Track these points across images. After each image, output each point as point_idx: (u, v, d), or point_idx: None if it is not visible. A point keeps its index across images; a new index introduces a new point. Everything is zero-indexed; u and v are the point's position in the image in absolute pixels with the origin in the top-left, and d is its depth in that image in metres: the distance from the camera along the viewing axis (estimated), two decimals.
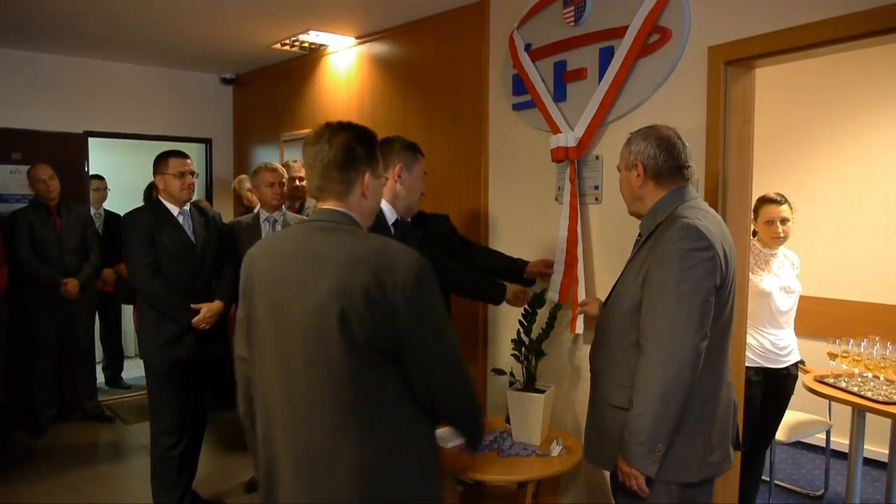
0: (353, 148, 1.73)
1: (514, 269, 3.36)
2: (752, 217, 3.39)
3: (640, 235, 2.18)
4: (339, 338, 1.55)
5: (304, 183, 4.58)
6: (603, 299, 2.33)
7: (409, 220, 2.97)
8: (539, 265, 3.33)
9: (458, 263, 3.21)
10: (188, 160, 3.52)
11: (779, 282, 3.43)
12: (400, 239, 2.44)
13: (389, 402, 1.63)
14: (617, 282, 2.21)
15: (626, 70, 3.05)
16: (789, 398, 3.52)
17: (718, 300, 1.98)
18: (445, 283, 2.75)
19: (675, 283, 1.91)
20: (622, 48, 3.05)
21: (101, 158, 6.43)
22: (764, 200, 3.44)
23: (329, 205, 1.75)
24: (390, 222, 2.55)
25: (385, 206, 2.55)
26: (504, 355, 3.79)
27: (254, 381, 1.77)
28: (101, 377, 5.98)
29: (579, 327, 3.31)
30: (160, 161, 3.50)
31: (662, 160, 2.09)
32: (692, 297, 1.90)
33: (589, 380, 2.31)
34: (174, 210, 3.48)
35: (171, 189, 3.46)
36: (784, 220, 3.41)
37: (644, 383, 1.94)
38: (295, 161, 4.57)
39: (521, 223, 3.75)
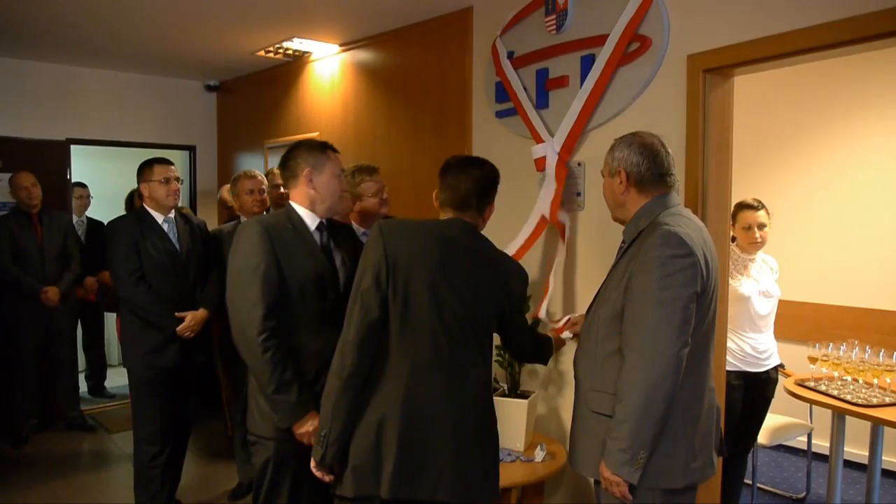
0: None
1: None
2: (732, 224, 3.43)
3: (623, 242, 2.20)
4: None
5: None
6: (585, 308, 2.34)
7: (352, 222, 3.08)
8: None
9: None
10: (172, 166, 3.52)
11: (758, 286, 3.46)
12: (327, 243, 2.49)
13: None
14: (600, 288, 2.22)
15: (606, 78, 3.08)
16: (770, 402, 3.56)
17: (700, 307, 1.99)
18: None
19: (655, 291, 1.93)
20: (602, 56, 3.08)
21: (84, 166, 6.40)
22: (741, 206, 3.48)
23: None
24: (312, 227, 2.47)
25: (303, 211, 2.48)
26: None
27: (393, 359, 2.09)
28: (83, 386, 5.93)
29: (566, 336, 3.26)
30: (144, 169, 3.49)
31: (645, 168, 2.10)
32: (673, 304, 1.91)
33: (571, 385, 2.33)
34: (159, 218, 3.47)
35: (156, 196, 3.45)
36: (761, 226, 3.45)
37: (626, 390, 1.94)
38: (279, 168, 4.55)
39: (504, 230, 3.76)
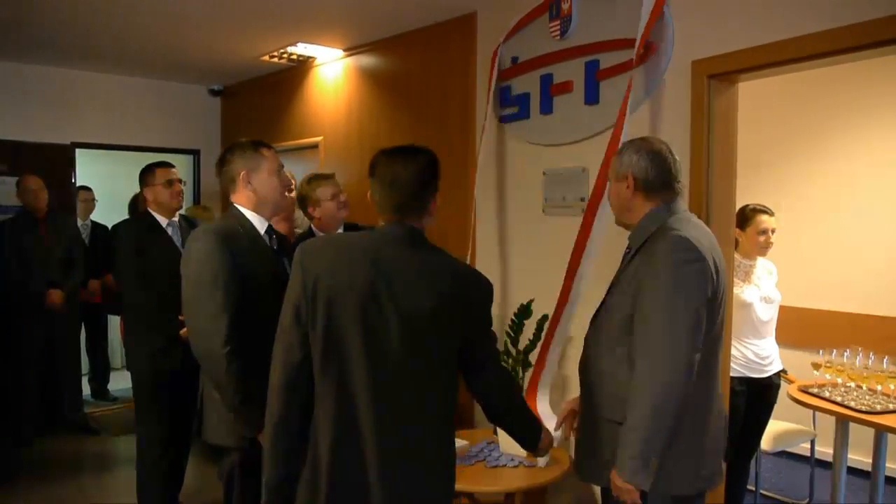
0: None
1: None
2: (739, 228, 3.43)
3: (629, 248, 2.18)
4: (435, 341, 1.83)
5: (292, 195, 4.58)
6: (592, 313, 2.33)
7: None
8: None
9: None
10: (174, 169, 3.53)
11: (759, 292, 3.47)
12: (277, 247, 2.47)
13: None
14: (606, 294, 2.21)
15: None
16: (772, 407, 3.55)
17: (710, 312, 1.98)
18: None
19: (666, 297, 1.91)
20: (646, 70, 2.97)
21: (88, 169, 6.41)
22: (756, 211, 3.49)
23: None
24: (262, 231, 2.43)
25: (250, 214, 2.43)
26: None
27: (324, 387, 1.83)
28: (86, 389, 5.93)
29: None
30: (146, 173, 3.50)
31: (653, 173, 2.08)
32: (684, 310, 1.90)
33: (575, 390, 2.31)
34: (163, 222, 3.49)
35: (160, 199, 3.46)
36: (773, 231, 3.48)
37: (637, 397, 1.92)
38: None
39: (508, 235, 3.77)
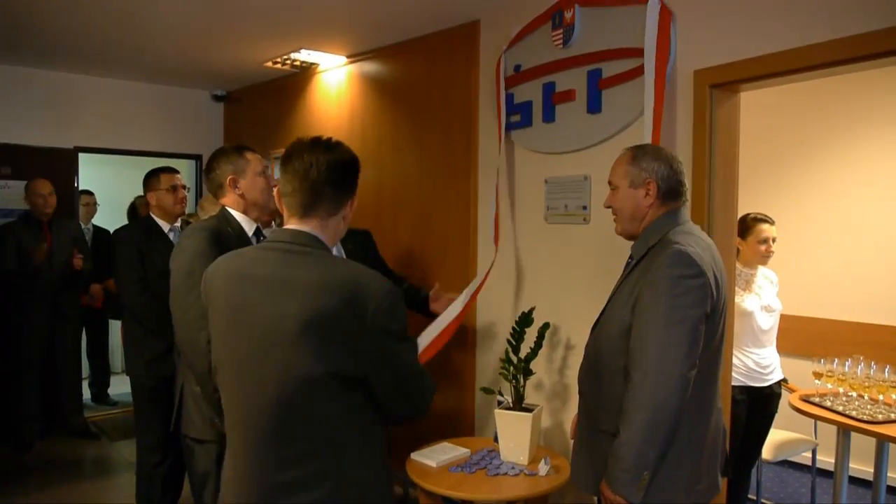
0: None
1: (422, 302, 3.56)
2: (740, 237, 3.44)
3: (630, 258, 2.17)
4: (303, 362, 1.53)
5: None
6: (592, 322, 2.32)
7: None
8: (434, 296, 3.52)
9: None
10: (178, 174, 3.56)
11: (760, 301, 3.47)
12: None
13: (365, 423, 1.63)
14: (607, 304, 2.20)
15: (661, 102, 2.90)
16: (773, 416, 3.55)
17: (709, 326, 1.98)
18: None
19: (664, 311, 1.90)
20: (648, 80, 2.93)
21: (90, 173, 6.43)
22: (757, 220, 3.50)
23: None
24: (250, 232, 2.50)
25: (239, 216, 2.52)
26: (491, 373, 3.80)
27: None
28: (87, 393, 5.94)
29: None
30: (151, 178, 3.52)
31: (674, 181, 2.09)
32: (682, 325, 1.89)
33: (576, 398, 2.31)
34: (165, 227, 3.50)
35: (164, 204, 3.48)
36: (774, 240, 3.49)
37: (631, 410, 1.92)
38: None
39: (509, 242, 3.77)
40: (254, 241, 2.48)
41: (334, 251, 3.36)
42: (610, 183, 2.20)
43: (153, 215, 3.52)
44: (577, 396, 2.31)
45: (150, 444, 3.43)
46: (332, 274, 1.57)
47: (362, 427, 1.62)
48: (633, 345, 1.98)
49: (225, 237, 2.40)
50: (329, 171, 1.66)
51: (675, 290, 1.90)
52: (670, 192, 2.09)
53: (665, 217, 2.09)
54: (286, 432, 1.56)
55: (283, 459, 1.57)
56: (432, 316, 3.53)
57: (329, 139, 1.73)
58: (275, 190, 2.36)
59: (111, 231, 4.04)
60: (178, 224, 3.55)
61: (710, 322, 1.98)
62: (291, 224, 1.68)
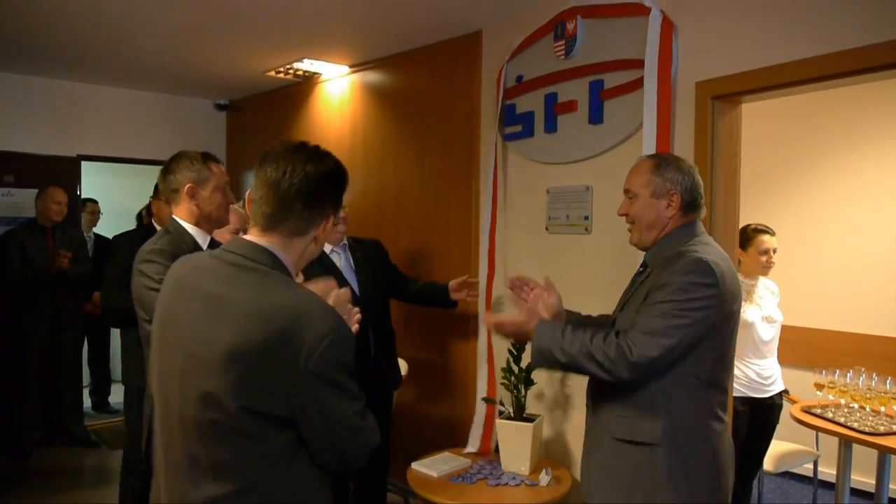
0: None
1: (442, 293, 3.61)
2: (741, 248, 3.45)
3: (643, 266, 2.15)
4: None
5: None
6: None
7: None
8: (455, 285, 3.55)
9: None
10: None
11: (760, 312, 3.48)
12: None
13: (291, 464, 1.43)
14: (617, 314, 2.17)
15: (667, 117, 2.91)
16: (775, 427, 3.55)
17: (723, 336, 1.98)
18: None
19: (669, 310, 1.88)
20: (649, 95, 2.94)
21: (92, 182, 6.44)
22: (757, 231, 3.51)
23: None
24: (204, 246, 2.36)
25: (192, 229, 2.35)
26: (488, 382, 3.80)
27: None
28: (87, 401, 5.93)
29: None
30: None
31: (696, 193, 2.08)
32: (682, 330, 1.88)
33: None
34: None
35: (164, 214, 3.48)
36: (775, 250, 3.50)
37: (593, 348, 1.91)
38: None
39: (511, 252, 3.78)
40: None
41: (341, 260, 3.36)
42: (627, 191, 2.15)
43: (154, 223, 3.53)
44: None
45: (138, 458, 3.40)
46: (270, 300, 1.37)
47: (297, 478, 1.43)
48: (626, 325, 1.98)
49: (179, 256, 2.29)
50: (304, 184, 1.46)
51: (686, 294, 1.89)
52: (691, 203, 2.08)
53: (683, 228, 2.08)
54: (201, 469, 1.40)
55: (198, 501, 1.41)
56: (453, 306, 3.62)
57: (315, 147, 1.53)
58: (188, 188, 2.30)
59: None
60: None
61: (724, 330, 1.98)
62: (251, 235, 1.49)
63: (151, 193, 3.54)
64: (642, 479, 1.98)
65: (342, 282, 3.28)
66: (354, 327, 1.65)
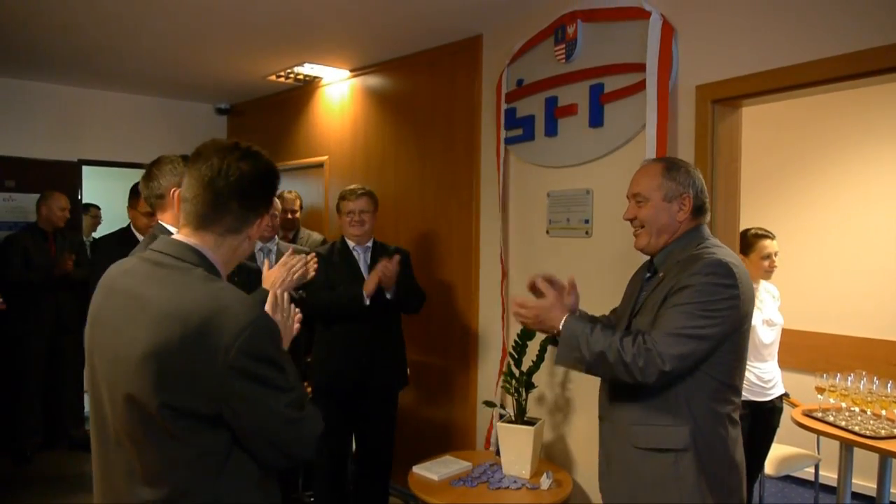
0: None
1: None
2: (742, 253, 3.45)
3: (650, 273, 2.14)
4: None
5: (297, 215, 4.62)
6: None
7: None
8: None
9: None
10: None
11: (761, 315, 3.48)
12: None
13: (226, 465, 1.40)
14: (630, 319, 2.13)
15: (665, 118, 2.93)
16: (775, 431, 3.54)
17: (742, 338, 1.99)
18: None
19: (696, 314, 1.88)
20: (650, 99, 2.96)
21: (93, 186, 6.45)
22: (759, 236, 3.51)
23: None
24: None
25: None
26: (491, 385, 3.80)
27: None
28: (88, 405, 5.92)
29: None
30: (133, 197, 3.59)
31: (704, 196, 2.09)
32: (707, 331, 1.87)
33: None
34: (140, 237, 3.59)
35: (139, 225, 3.57)
36: (776, 254, 3.50)
37: (614, 345, 1.91)
38: (290, 192, 4.62)
39: (512, 255, 3.78)
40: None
41: (360, 259, 3.41)
42: (637, 195, 2.13)
43: (133, 229, 3.60)
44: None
45: None
46: (188, 298, 1.35)
47: (233, 480, 1.40)
48: (646, 329, 1.96)
49: None
50: (240, 183, 1.45)
51: (709, 296, 1.88)
52: (700, 207, 2.09)
53: (692, 232, 2.08)
54: (134, 475, 1.39)
55: None
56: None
57: (248, 146, 1.51)
58: (174, 193, 2.14)
59: None
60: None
61: (743, 332, 1.99)
62: (181, 234, 1.48)
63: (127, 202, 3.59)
64: (669, 487, 1.96)
65: (360, 276, 3.41)
66: (295, 326, 1.69)
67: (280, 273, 2.40)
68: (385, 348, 3.45)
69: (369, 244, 3.55)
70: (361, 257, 3.52)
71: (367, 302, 3.26)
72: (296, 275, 2.35)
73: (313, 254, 2.68)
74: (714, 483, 1.96)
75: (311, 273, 2.51)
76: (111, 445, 1.42)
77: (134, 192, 3.70)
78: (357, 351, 3.37)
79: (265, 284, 2.36)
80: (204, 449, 1.37)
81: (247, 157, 1.47)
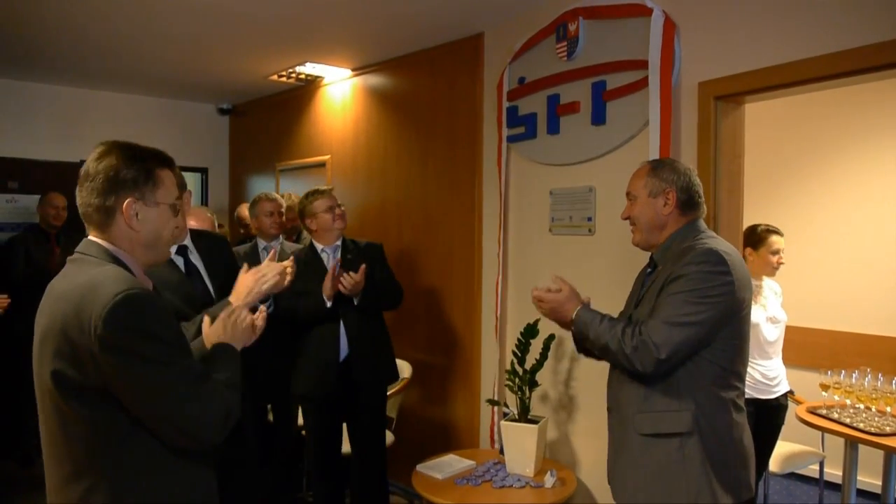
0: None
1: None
2: (751, 248, 3.45)
3: (649, 267, 2.20)
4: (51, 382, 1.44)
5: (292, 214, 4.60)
6: None
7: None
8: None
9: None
10: None
11: (765, 313, 3.47)
12: (192, 265, 2.40)
13: (125, 444, 1.45)
14: (632, 311, 2.18)
15: (668, 113, 2.93)
16: (780, 428, 3.53)
17: (742, 324, 2.03)
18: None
19: (689, 301, 1.93)
20: (653, 94, 2.97)
21: None
22: (769, 231, 3.51)
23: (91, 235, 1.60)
24: (173, 252, 2.34)
25: None
26: (493, 384, 3.79)
27: None
28: None
29: None
30: None
31: (692, 191, 2.14)
32: (701, 317, 1.92)
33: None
34: None
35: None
36: (783, 251, 3.51)
37: (615, 333, 2.00)
38: (290, 196, 4.61)
39: (514, 253, 3.78)
40: (179, 260, 2.32)
41: (329, 259, 3.41)
42: (628, 194, 2.23)
43: None
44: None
45: None
46: (73, 282, 1.46)
47: (134, 460, 1.46)
48: (643, 316, 2.03)
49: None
50: (97, 180, 1.54)
51: (701, 283, 1.94)
52: (689, 202, 2.14)
53: (687, 227, 2.14)
54: (55, 456, 1.49)
55: (57, 486, 1.49)
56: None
57: (105, 143, 1.60)
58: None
59: None
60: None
61: (737, 321, 2.02)
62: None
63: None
64: (676, 471, 1.99)
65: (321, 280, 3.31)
66: (258, 324, 1.82)
67: (249, 282, 2.27)
68: (364, 345, 3.37)
69: (338, 243, 3.49)
70: (330, 258, 3.46)
71: (329, 304, 3.25)
72: (265, 285, 2.23)
73: (291, 259, 2.67)
74: (720, 467, 1.99)
75: (287, 281, 2.35)
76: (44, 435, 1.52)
77: None
78: (331, 351, 3.34)
79: (236, 288, 2.23)
80: (97, 424, 1.42)
81: (96, 157, 1.57)
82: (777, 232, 3.52)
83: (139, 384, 1.40)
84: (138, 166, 1.56)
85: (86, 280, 1.44)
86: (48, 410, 1.48)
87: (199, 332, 1.89)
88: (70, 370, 1.40)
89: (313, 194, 3.43)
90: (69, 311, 1.40)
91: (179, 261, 2.36)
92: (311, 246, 3.49)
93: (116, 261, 1.54)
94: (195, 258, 2.44)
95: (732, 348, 2.03)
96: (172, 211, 1.62)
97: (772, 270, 3.52)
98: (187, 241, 2.42)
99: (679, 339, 1.92)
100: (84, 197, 1.57)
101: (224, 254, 2.75)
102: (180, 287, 2.32)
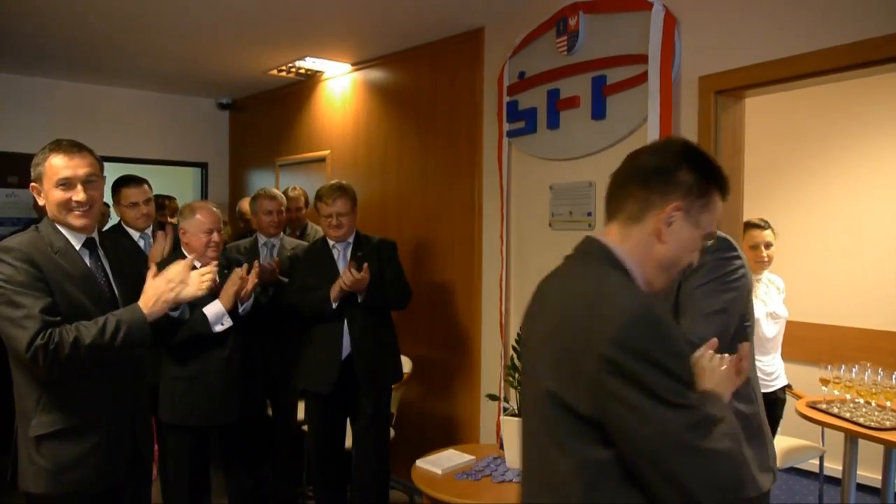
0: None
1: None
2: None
3: None
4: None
5: (302, 213, 4.57)
6: None
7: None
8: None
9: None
10: (143, 186, 3.72)
11: (765, 308, 3.46)
12: (99, 262, 2.31)
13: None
14: None
15: (669, 110, 2.95)
16: (779, 422, 3.54)
17: (751, 306, 2.05)
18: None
19: (717, 289, 1.94)
20: (653, 89, 2.97)
21: None
22: (748, 225, 3.49)
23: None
24: (77, 245, 2.25)
25: (65, 229, 2.27)
26: (495, 379, 3.80)
27: None
28: None
29: None
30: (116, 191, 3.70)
31: None
32: (733, 303, 1.93)
33: None
34: (134, 234, 3.66)
35: (127, 218, 3.61)
36: (767, 245, 3.46)
37: None
38: (294, 190, 4.57)
39: (514, 249, 3.77)
40: (84, 253, 2.19)
41: (339, 255, 3.45)
42: None
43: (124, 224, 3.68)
44: None
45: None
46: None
47: None
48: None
49: (43, 255, 2.09)
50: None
51: (721, 270, 1.95)
52: None
53: None
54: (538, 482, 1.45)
55: None
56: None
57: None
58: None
59: None
60: (149, 231, 3.69)
61: (744, 316, 2.02)
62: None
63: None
64: None
65: (337, 276, 3.30)
66: (205, 284, 2.07)
67: (160, 287, 2.13)
68: (367, 344, 3.36)
69: (350, 240, 3.50)
70: (341, 254, 3.46)
71: (334, 306, 3.25)
72: (175, 293, 2.10)
73: (245, 268, 2.65)
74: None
75: (206, 287, 2.21)
76: None
77: (116, 188, 3.73)
78: (334, 349, 3.34)
79: (144, 293, 2.12)
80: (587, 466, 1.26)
81: None
82: (759, 226, 3.47)
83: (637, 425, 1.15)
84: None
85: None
86: (535, 421, 1.34)
87: (101, 332, 1.95)
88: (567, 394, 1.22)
89: (320, 197, 3.43)
90: (577, 320, 1.24)
91: (85, 253, 2.21)
92: (324, 239, 3.51)
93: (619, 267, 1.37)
94: (101, 255, 2.29)
95: (747, 329, 2.04)
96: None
97: (754, 266, 3.48)
98: (94, 235, 2.28)
99: (720, 329, 1.90)
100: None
101: (132, 256, 2.61)
102: (84, 281, 2.15)
